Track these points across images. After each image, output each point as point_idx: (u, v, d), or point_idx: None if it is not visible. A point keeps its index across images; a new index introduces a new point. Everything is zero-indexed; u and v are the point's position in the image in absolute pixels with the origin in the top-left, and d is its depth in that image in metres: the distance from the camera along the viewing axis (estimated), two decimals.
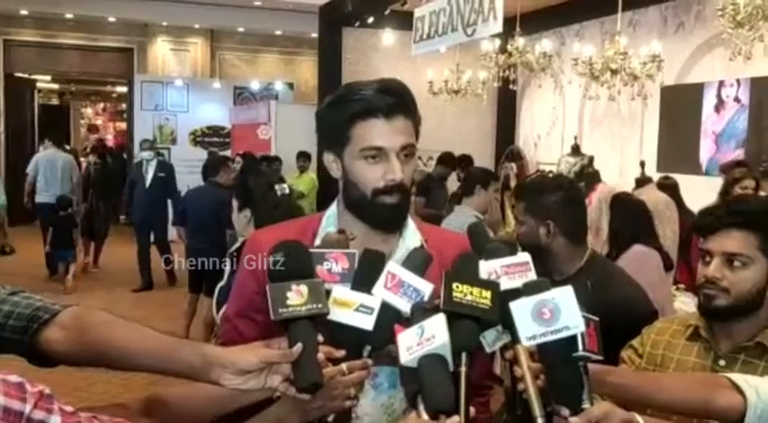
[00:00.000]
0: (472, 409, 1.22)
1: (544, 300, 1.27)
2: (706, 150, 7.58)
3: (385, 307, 1.31)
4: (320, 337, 1.26)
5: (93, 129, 20.59)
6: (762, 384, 1.51)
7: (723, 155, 7.36)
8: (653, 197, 5.55)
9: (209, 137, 14.28)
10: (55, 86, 20.16)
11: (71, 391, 5.25)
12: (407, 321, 1.30)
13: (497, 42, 8.41)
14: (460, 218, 4.79)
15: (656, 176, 7.55)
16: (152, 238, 9.51)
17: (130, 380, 5.49)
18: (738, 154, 7.17)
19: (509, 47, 8.23)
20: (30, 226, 12.49)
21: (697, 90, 7.74)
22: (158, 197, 9.33)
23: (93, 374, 5.49)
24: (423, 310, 1.29)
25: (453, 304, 1.26)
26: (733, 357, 1.80)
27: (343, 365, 1.30)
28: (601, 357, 1.32)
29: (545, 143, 10.64)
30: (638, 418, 1.40)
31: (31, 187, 10.05)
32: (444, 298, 1.27)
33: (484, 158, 10.16)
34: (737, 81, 7.21)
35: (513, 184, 9.39)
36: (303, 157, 9.68)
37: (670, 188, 6.46)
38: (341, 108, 1.57)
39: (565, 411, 1.29)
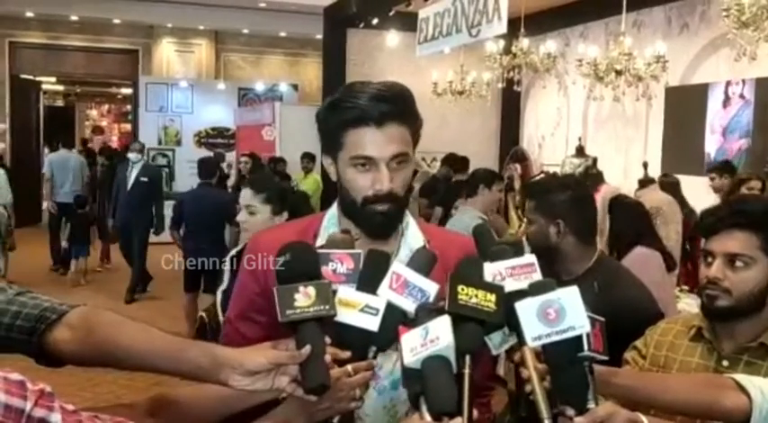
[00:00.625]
0: (475, 412, 1.22)
1: (549, 300, 1.28)
2: (713, 143, 7.56)
3: (390, 307, 1.31)
4: (327, 339, 1.27)
5: (97, 130, 20.63)
6: (766, 385, 1.51)
7: (729, 144, 7.37)
8: (656, 198, 5.55)
9: (213, 138, 14.31)
10: (60, 88, 20.23)
11: (75, 391, 5.27)
12: (412, 322, 1.30)
13: (501, 43, 8.41)
14: (464, 219, 4.80)
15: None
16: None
17: (134, 380, 5.51)
18: (742, 144, 7.18)
19: (513, 48, 8.23)
20: (34, 227, 12.55)
21: (702, 91, 7.73)
22: (139, 202, 8.80)
23: (97, 375, 5.51)
24: (427, 312, 1.29)
25: (458, 306, 1.26)
26: (736, 358, 1.80)
27: (349, 367, 1.30)
28: (606, 358, 1.33)
29: (549, 144, 10.64)
30: (643, 418, 1.40)
31: (50, 187, 10.53)
32: (449, 300, 1.27)
33: (488, 159, 10.16)
34: (743, 81, 7.21)
35: (517, 185, 9.39)
36: (307, 158, 9.69)
37: (671, 186, 6.46)
38: (335, 113, 1.57)
39: (570, 411, 1.29)
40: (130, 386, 5.51)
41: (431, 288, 1.33)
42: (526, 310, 1.28)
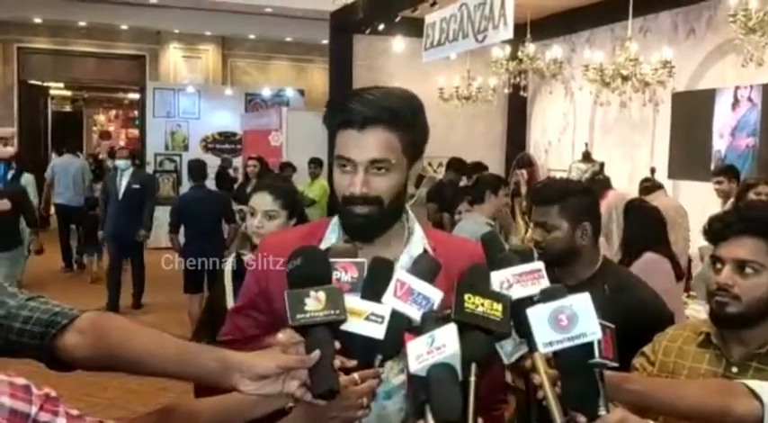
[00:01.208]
0: (481, 421, 1.22)
1: (561, 306, 1.28)
2: (722, 142, 7.55)
3: (395, 315, 1.31)
4: (337, 344, 1.27)
5: (105, 135, 20.71)
6: None
7: (737, 142, 7.37)
8: (663, 204, 5.53)
9: (220, 143, 14.34)
10: (68, 93, 20.33)
11: (83, 396, 5.28)
12: (417, 330, 1.30)
13: (508, 49, 8.42)
14: (472, 225, 4.79)
15: (667, 183, 7.54)
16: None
17: (142, 385, 5.51)
18: (750, 141, 7.17)
19: (520, 53, 8.25)
20: (44, 231, 12.59)
21: (709, 96, 7.72)
22: (132, 211, 8.37)
23: (105, 379, 5.52)
24: (434, 319, 1.29)
25: (465, 315, 1.26)
26: (745, 364, 1.80)
27: (356, 375, 1.30)
28: (616, 364, 1.33)
29: (555, 149, 10.63)
30: None
31: (47, 190, 10.93)
32: (456, 308, 1.27)
33: (494, 165, 10.16)
34: (751, 87, 7.20)
35: (523, 190, 9.38)
36: (314, 163, 9.70)
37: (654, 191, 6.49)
38: (330, 116, 1.61)
39: (581, 418, 1.29)
40: (138, 391, 5.51)
41: (435, 295, 1.33)
42: (538, 316, 1.28)
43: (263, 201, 2.79)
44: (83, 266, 10.78)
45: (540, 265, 1.38)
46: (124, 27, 14.60)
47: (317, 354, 1.23)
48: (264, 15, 13.45)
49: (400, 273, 1.35)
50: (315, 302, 1.26)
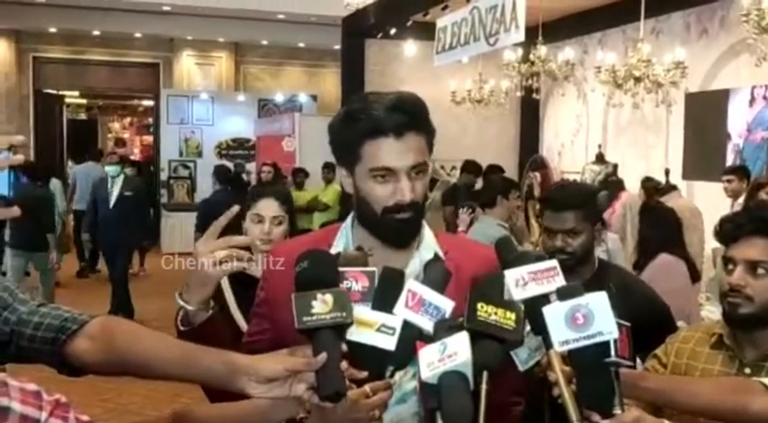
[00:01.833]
0: None
1: (578, 305, 1.28)
2: (739, 137, 7.50)
3: (407, 326, 1.31)
4: (344, 347, 1.27)
5: (119, 142, 20.82)
6: None
7: (753, 135, 7.32)
8: (678, 205, 5.50)
9: (234, 149, 14.40)
10: (83, 101, 20.45)
11: (97, 401, 5.32)
12: (429, 339, 1.29)
13: (520, 51, 8.41)
14: (485, 228, 4.78)
15: (681, 184, 7.50)
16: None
17: (156, 391, 5.54)
18: (765, 134, 7.12)
19: (531, 56, 8.23)
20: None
21: (722, 96, 7.67)
22: (124, 220, 7.94)
23: (119, 385, 5.55)
24: (446, 327, 1.29)
25: (477, 323, 1.26)
26: (759, 366, 1.79)
27: (367, 387, 1.30)
28: (632, 364, 1.33)
29: (569, 151, 10.59)
30: None
31: (70, 194, 11.05)
32: (468, 316, 1.27)
33: (507, 168, 10.12)
34: (766, 86, 7.16)
35: (537, 192, 9.36)
36: (328, 168, 9.71)
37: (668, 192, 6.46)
38: (351, 126, 1.56)
39: (596, 417, 1.29)
40: (152, 396, 5.54)
41: (447, 305, 1.33)
42: (554, 314, 1.28)
43: (270, 207, 2.69)
44: (96, 270, 10.96)
45: (554, 263, 1.37)
46: (138, 35, 14.70)
47: (323, 356, 1.23)
48: (277, 22, 13.50)
49: (412, 283, 1.35)
50: (322, 305, 1.26)
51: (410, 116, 1.54)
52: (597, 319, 1.26)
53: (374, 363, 1.31)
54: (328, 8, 11.27)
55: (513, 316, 1.28)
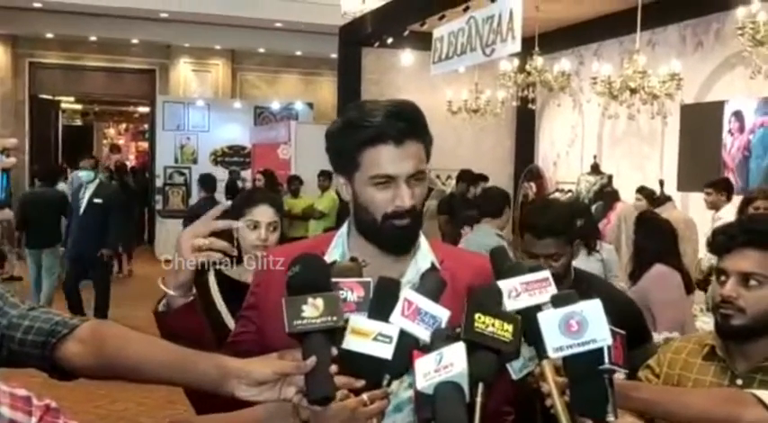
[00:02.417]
0: None
1: (572, 312, 1.28)
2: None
3: (403, 335, 1.31)
4: (334, 351, 1.27)
5: (114, 149, 20.80)
6: None
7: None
8: (673, 217, 5.52)
9: (229, 156, 14.40)
10: (78, 107, 20.43)
11: (91, 408, 5.29)
12: (426, 348, 1.30)
13: (516, 62, 8.44)
14: (482, 237, 4.78)
15: (676, 195, 7.52)
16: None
17: (150, 397, 5.52)
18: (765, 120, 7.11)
19: (528, 66, 8.26)
20: None
21: (717, 108, 7.71)
22: (93, 229, 7.54)
23: (113, 392, 5.53)
24: (443, 337, 1.29)
25: (474, 334, 1.26)
26: (750, 377, 1.79)
27: (365, 396, 1.30)
28: (626, 370, 1.33)
29: (564, 162, 10.62)
30: None
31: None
32: (465, 327, 1.27)
33: (503, 178, 10.16)
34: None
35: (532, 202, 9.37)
36: (324, 176, 9.72)
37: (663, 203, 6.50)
38: (350, 133, 1.56)
39: None
40: (146, 403, 5.53)
41: (442, 314, 1.33)
42: (548, 321, 1.29)
43: (266, 213, 2.70)
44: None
45: (547, 273, 1.38)
46: (134, 41, 14.71)
47: (312, 360, 1.24)
48: (274, 30, 13.54)
49: (407, 292, 1.35)
50: (312, 309, 1.26)
51: (409, 123, 1.55)
52: (591, 326, 1.27)
53: (371, 371, 1.31)
54: (325, 17, 11.32)
55: (510, 327, 1.28)
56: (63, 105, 17.80)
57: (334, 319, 1.27)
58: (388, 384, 1.34)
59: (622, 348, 1.32)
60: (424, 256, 1.64)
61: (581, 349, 1.27)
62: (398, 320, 1.31)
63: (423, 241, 1.66)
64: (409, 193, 1.54)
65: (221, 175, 13.76)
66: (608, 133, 9.63)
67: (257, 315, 1.66)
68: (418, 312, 1.32)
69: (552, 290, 1.36)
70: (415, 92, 9.03)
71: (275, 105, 15.04)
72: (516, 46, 6.66)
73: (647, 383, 1.88)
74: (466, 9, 7.65)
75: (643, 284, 4.18)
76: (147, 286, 9.10)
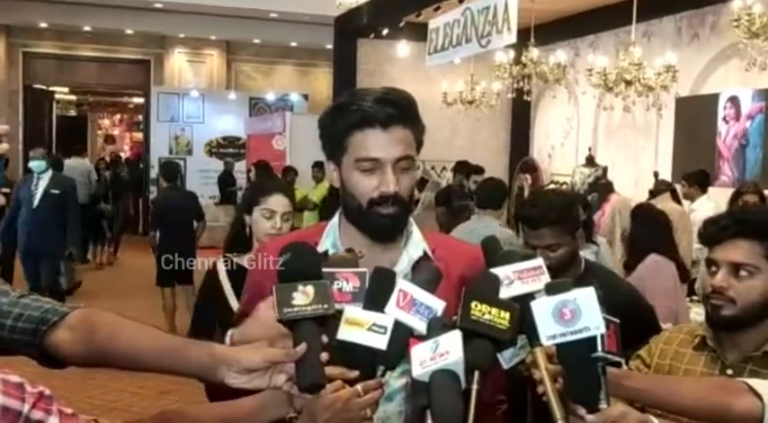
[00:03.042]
0: None
1: (566, 300, 1.29)
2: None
3: (398, 325, 1.31)
4: (324, 338, 1.27)
5: (109, 139, 20.72)
6: None
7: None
8: (667, 208, 5.54)
9: (224, 148, 14.37)
10: (72, 97, 20.36)
11: (85, 398, 5.29)
12: (421, 338, 1.29)
13: (511, 53, 8.43)
14: (479, 227, 4.75)
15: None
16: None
17: (144, 387, 5.53)
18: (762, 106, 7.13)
19: (523, 58, 8.25)
20: None
21: (712, 101, 7.72)
22: (50, 221, 6.98)
23: (107, 382, 5.54)
24: (440, 326, 1.29)
25: (471, 322, 1.26)
26: (740, 367, 1.79)
27: (359, 386, 1.30)
28: (620, 359, 1.34)
29: (559, 154, 10.63)
30: (654, 419, 1.42)
31: None
32: (462, 315, 1.27)
33: (498, 169, 10.15)
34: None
35: (527, 194, 9.38)
36: (318, 167, 9.71)
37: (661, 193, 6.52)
38: (339, 117, 1.57)
39: (582, 411, 1.30)
40: (139, 393, 5.53)
41: (438, 305, 1.33)
42: (541, 308, 1.29)
43: (281, 202, 2.75)
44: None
45: (540, 261, 1.38)
46: (129, 32, 14.65)
47: (302, 347, 1.24)
48: (269, 20, 13.49)
49: (402, 283, 1.34)
50: (303, 297, 1.26)
51: (398, 109, 1.55)
52: (584, 314, 1.28)
53: (365, 362, 1.31)
54: (321, 7, 11.27)
55: (507, 315, 1.27)
56: (57, 96, 17.74)
57: (325, 306, 1.27)
58: (383, 375, 1.34)
59: (616, 337, 1.32)
60: (416, 245, 1.64)
61: (574, 337, 1.27)
62: (393, 311, 1.31)
63: (415, 230, 1.66)
64: (394, 179, 1.54)
65: (217, 166, 13.79)
66: (603, 125, 9.64)
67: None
68: (413, 303, 1.32)
69: (546, 278, 1.36)
70: (410, 83, 9.02)
71: (270, 96, 15.00)
72: (512, 37, 6.65)
73: (639, 372, 1.89)
74: (462, 0, 7.63)
75: (638, 273, 4.20)
76: (137, 277, 9.10)
